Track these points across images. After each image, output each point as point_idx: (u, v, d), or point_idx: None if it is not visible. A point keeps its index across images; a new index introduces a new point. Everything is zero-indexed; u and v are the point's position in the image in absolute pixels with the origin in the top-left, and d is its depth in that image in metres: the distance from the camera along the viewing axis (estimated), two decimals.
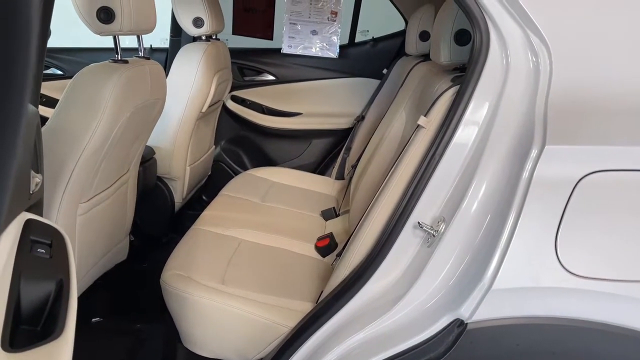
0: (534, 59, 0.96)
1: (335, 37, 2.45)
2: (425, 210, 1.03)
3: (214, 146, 2.52)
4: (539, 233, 0.91)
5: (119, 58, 1.36)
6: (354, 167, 2.09)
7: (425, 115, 1.12)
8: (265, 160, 2.70)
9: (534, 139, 0.91)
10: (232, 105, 2.61)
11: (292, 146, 2.68)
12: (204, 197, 2.73)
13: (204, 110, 2.05)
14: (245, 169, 2.70)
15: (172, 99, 1.97)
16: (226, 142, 2.70)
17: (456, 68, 1.40)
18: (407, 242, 1.04)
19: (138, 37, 1.52)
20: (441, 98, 1.11)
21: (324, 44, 2.46)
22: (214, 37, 2.23)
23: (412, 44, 2.01)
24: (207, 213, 1.86)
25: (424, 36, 1.96)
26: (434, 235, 1.00)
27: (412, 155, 1.12)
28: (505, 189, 0.95)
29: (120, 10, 1.26)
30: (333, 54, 2.48)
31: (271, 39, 2.57)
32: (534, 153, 0.90)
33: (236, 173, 2.71)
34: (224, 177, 2.70)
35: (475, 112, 1.01)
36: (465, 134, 1.02)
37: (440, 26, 1.33)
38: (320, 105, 2.62)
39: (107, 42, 1.46)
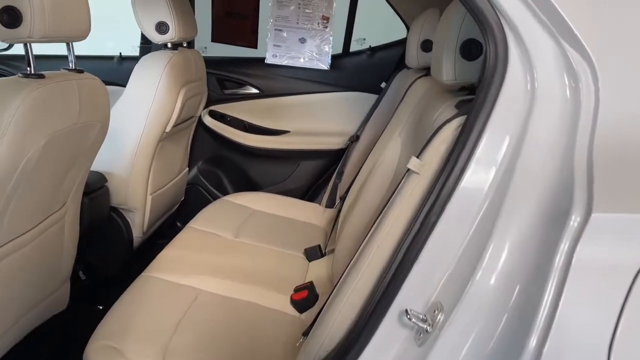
0: (573, 84, 0.68)
1: (326, 46, 2.18)
2: (415, 292, 0.74)
3: (187, 168, 2.25)
4: None
5: (32, 72, 1.09)
6: (343, 198, 1.81)
7: (418, 156, 0.84)
8: (248, 184, 2.43)
9: (574, 200, 0.62)
10: (210, 122, 2.34)
11: (277, 168, 2.40)
12: (178, 224, 2.45)
13: (168, 130, 1.78)
14: (225, 193, 2.42)
15: (127, 117, 1.71)
16: (204, 163, 2.43)
17: (464, 87, 1.12)
18: (389, 337, 0.75)
19: (67, 44, 1.25)
20: (440, 133, 0.83)
21: (314, 54, 2.19)
22: (184, 45, 1.97)
23: (413, 55, 1.74)
24: (165, 253, 1.58)
25: (427, 46, 1.69)
26: (427, 331, 0.71)
27: (400, 210, 0.84)
28: (535, 266, 0.66)
29: (30, 11, 1.00)
30: (324, 64, 2.21)
31: (255, 47, 2.31)
32: (574, 222, 0.61)
33: (215, 198, 2.43)
34: (201, 202, 2.42)
35: (488, 155, 0.73)
36: (474, 184, 0.74)
37: (442, 34, 1.05)
38: (309, 122, 2.35)
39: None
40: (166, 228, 2.29)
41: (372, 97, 2.27)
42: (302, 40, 2.17)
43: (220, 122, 2.35)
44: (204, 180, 2.42)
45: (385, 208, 0.94)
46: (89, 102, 1.22)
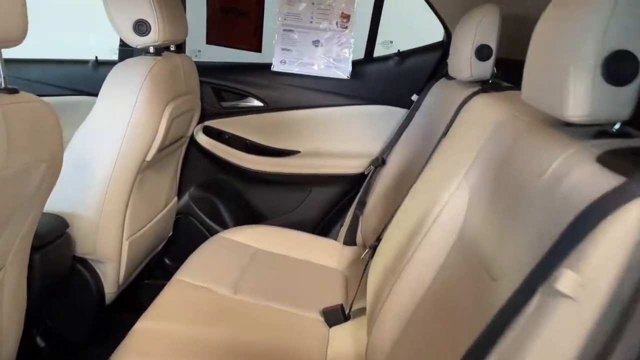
0: None
1: (346, 50, 1.81)
2: None
3: (175, 198, 1.88)
4: None
5: None
6: (373, 247, 1.44)
7: (574, 273, 0.47)
8: (249, 215, 2.05)
9: None
10: (204, 140, 1.97)
11: (285, 196, 2.03)
12: (166, 261, 2.08)
13: (149, 158, 1.41)
14: (222, 224, 2.05)
15: (96, 143, 1.34)
16: (197, 189, 2.06)
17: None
18: None
19: None
20: (606, 226, 0.46)
21: (331, 60, 1.82)
22: (171, 49, 1.60)
23: (463, 65, 1.37)
24: (141, 327, 1.21)
25: (484, 53, 1.32)
26: None
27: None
28: None
29: None
30: (344, 73, 1.83)
31: (259, 50, 1.94)
32: None
33: (209, 230, 2.06)
34: (194, 236, 2.06)
35: None
36: None
37: (560, 43, 0.68)
38: (324, 141, 1.98)
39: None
40: (152, 266, 1.92)
41: (400, 112, 1.90)
42: (317, 43, 1.80)
43: (217, 140, 1.97)
44: (196, 210, 2.05)
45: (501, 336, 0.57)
46: (23, 136, 0.85)
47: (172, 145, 1.60)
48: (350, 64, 1.82)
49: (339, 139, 1.96)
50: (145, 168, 1.46)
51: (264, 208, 2.04)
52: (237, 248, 1.72)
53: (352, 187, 1.99)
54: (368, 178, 1.85)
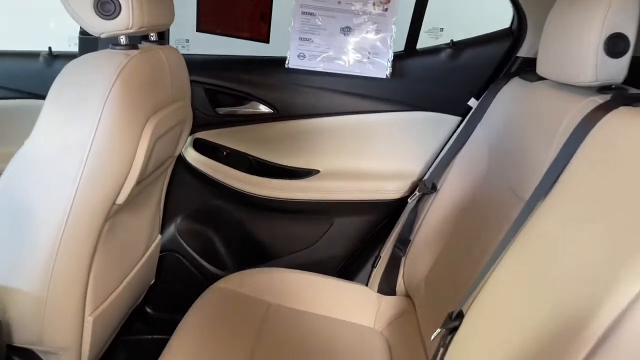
0: None
1: (386, 40, 1.37)
2: None
3: (159, 235, 1.44)
4: None
5: None
6: (451, 328, 1.02)
7: None
8: (254, 253, 1.62)
9: None
10: (195, 157, 1.53)
11: (300, 229, 1.60)
12: (148, 310, 1.65)
13: (121, 200, 0.97)
14: (219, 265, 1.62)
15: (38, 180, 0.90)
16: (185, 220, 1.62)
17: None
18: None
19: None
20: None
21: (367, 53, 1.39)
22: (151, 38, 1.15)
23: (577, 61, 0.94)
24: None
25: (619, 46, 0.90)
26: None
27: None
28: None
29: None
30: (381, 71, 1.40)
31: (267, 40, 1.49)
32: None
33: (203, 272, 1.63)
34: (182, 279, 1.63)
35: None
36: None
37: None
38: (351, 158, 1.55)
39: None
40: (135, 318, 1.50)
41: (452, 122, 1.48)
42: (347, 31, 1.37)
43: (211, 157, 1.54)
44: (185, 246, 1.61)
45: None
46: None
47: (155, 171, 1.16)
48: (390, 59, 1.39)
49: (371, 155, 1.54)
50: (115, 214, 1.02)
51: (273, 244, 1.61)
52: (245, 302, 1.31)
53: (387, 217, 1.58)
54: (412, 207, 1.43)
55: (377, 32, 1.36)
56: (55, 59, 1.52)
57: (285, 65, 1.40)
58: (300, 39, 1.37)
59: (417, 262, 1.36)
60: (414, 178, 1.53)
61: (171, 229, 1.61)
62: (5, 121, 1.52)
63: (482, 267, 0.95)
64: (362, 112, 1.50)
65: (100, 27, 0.93)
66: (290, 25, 1.38)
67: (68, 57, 1.52)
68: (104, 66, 0.91)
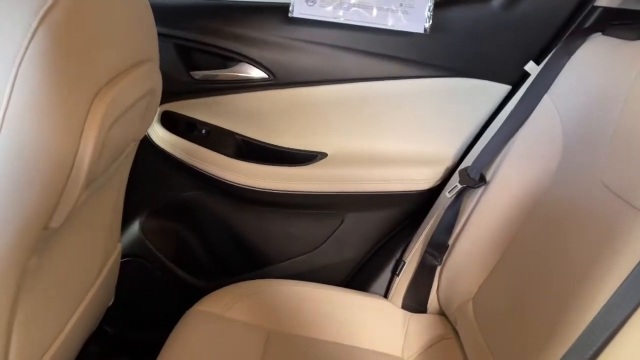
0: None
1: None
2: None
3: (118, 244, 1.09)
4: None
5: None
6: None
7: None
8: (244, 258, 1.29)
9: None
10: (165, 137, 1.18)
11: (302, 227, 1.27)
12: (107, 329, 1.32)
13: (56, 224, 0.62)
14: (197, 273, 1.29)
15: None
16: (152, 216, 1.26)
17: None
18: None
19: None
20: None
21: (400, 1, 1.03)
22: None
23: None
24: None
25: None
26: None
27: None
28: None
29: None
30: (418, 23, 1.05)
31: None
32: None
33: (176, 281, 1.29)
34: (149, 290, 1.30)
35: None
36: None
37: None
38: (368, 137, 1.22)
39: None
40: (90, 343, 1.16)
41: (501, 90, 1.16)
42: None
43: (185, 136, 1.18)
44: (153, 250, 1.26)
45: None
46: None
47: (110, 166, 0.80)
48: (430, 9, 1.04)
49: (394, 133, 1.21)
50: (50, 238, 0.67)
51: (266, 247, 1.28)
52: (236, 333, 1.01)
53: (412, 212, 1.26)
54: (449, 203, 1.12)
55: None
56: None
57: (289, 14, 1.03)
58: None
59: (461, 276, 1.06)
60: (448, 163, 1.22)
61: (134, 229, 1.26)
62: None
63: (599, 308, 0.66)
64: (383, 79, 1.16)
65: None
66: None
67: None
68: (16, 5, 0.54)
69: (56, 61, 0.55)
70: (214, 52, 1.13)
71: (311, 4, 1.01)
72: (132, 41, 0.74)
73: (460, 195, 1.11)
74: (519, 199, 0.98)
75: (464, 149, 1.22)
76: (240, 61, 1.14)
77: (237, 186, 1.19)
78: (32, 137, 0.54)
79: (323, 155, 1.22)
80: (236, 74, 1.15)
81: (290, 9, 1.02)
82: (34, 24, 0.53)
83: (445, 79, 1.16)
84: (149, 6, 0.85)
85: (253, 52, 1.13)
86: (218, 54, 1.13)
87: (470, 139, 1.21)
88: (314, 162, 1.20)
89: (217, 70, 1.15)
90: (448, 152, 1.22)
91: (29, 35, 0.52)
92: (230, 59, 1.15)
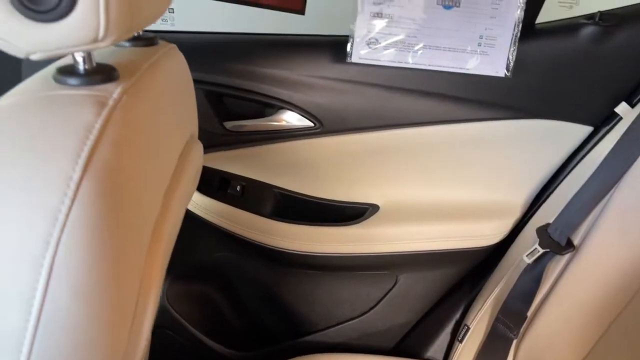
0: None
1: (510, 22, 0.86)
2: None
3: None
4: None
5: None
6: None
7: None
8: (282, 325, 1.15)
9: None
10: (196, 200, 1.02)
11: (350, 290, 1.13)
12: None
13: None
14: (230, 344, 1.15)
15: None
16: (178, 281, 1.11)
17: None
18: None
19: None
20: None
21: (477, 38, 0.87)
22: (140, 34, 0.60)
23: None
24: None
25: None
26: None
27: None
28: None
29: None
30: (498, 66, 0.89)
31: (301, 10, 0.95)
32: None
33: (204, 354, 1.15)
34: None
35: None
36: None
37: None
38: (424, 187, 1.07)
39: None
40: None
41: (576, 133, 1.01)
42: (450, 1, 0.84)
43: (219, 198, 1.02)
44: (179, 319, 1.11)
45: None
46: None
47: None
48: (515, 49, 0.88)
49: (457, 181, 1.06)
50: None
51: (308, 312, 1.13)
52: None
53: (474, 269, 1.13)
54: (527, 266, 0.98)
55: (496, 3, 0.85)
56: None
57: (347, 58, 0.87)
58: (373, 14, 0.84)
59: (547, 355, 0.93)
60: (517, 215, 1.07)
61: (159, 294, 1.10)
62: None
63: None
64: (445, 122, 1.01)
65: (30, 38, 0.39)
66: None
67: None
68: (49, 144, 0.38)
69: (107, 196, 0.39)
70: (250, 98, 0.96)
71: (373, 45, 0.85)
72: (178, 123, 0.59)
73: (540, 259, 0.97)
74: (625, 268, 0.85)
75: (534, 197, 1.08)
76: (281, 108, 0.98)
77: (277, 250, 1.04)
78: (79, 331, 0.39)
79: (374, 207, 1.07)
80: (276, 123, 0.99)
81: (348, 51, 0.86)
82: (79, 169, 0.37)
83: (517, 121, 1.02)
84: (187, 66, 0.69)
85: (296, 98, 0.97)
86: (255, 100, 0.97)
87: (542, 186, 1.07)
88: (364, 220, 1.05)
89: (253, 120, 0.99)
90: (517, 202, 1.07)
91: (75, 182, 0.37)
92: (269, 106, 0.98)
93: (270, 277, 1.11)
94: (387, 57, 0.85)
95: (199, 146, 0.72)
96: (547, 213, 1.02)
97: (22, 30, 0.39)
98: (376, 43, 0.85)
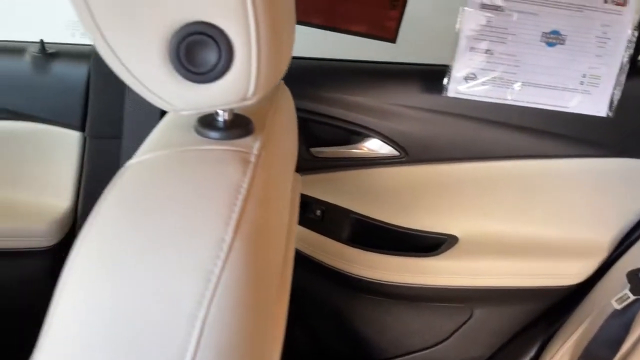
0: None
1: (616, 59, 0.83)
2: None
3: None
4: None
5: None
6: None
7: None
8: (354, 351, 1.14)
9: None
10: None
11: (423, 321, 1.11)
12: None
13: None
14: None
15: None
16: None
17: None
18: None
19: None
20: None
21: (579, 76, 0.84)
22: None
23: None
24: None
25: None
26: None
27: None
28: None
29: None
30: (600, 105, 0.86)
31: (393, 39, 0.94)
32: None
33: None
34: None
35: None
36: None
37: None
38: (506, 221, 1.05)
39: None
40: None
41: None
42: (553, 38, 0.81)
43: (299, 218, 1.02)
44: None
45: None
46: None
47: None
48: (619, 90, 0.85)
49: (541, 217, 1.03)
50: None
51: (381, 340, 1.12)
52: None
53: (553, 308, 1.09)
54: (615, 312, 0.95)
55: (603, 41, 0.82)
56: (52, 60, 0.96)
57: (443, 92, 0.86)
58: (471, 49, 0.82)
59: None
60: (603, 255, 1.04)
61: None
62: None
63: None
64: (535, 157, 0.98)
65: (185, 97, 0.40)
66: (460, 20, 0.82)
67: (72, 57, 0.98)
68: (202, 205, 0.39)
69: (254, 251, 0.39)
70: (336, 125, 0.96)
71: (470, 80, 0.83)
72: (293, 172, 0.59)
73: (630, 306, 0.94)
74: None
75: (622, 238, 1.04)
76: (367, 136, 0.97)
77: (352, 276, 1.04)
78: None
79: (453, 239, 1.06)
80: (361, 150, 0.98)
81: (445, 85, 0.85)
82: (231, 228, 0.38)
83: (610, 159, 0.98)
84: (292, 103, 0.69)
85: (383, 126, 0.96)
86: (343, 127, 0.97)
87: (631, 227, 1.03)
88: (443, 252, 1.04)
89: (339, 147, 0.99)
90: (603, 241, 1.04)
91: (228, 244, 0.37)
92: (355, 133, 0.98)
93: (342, 302, 1.11)
94: (484, 92, 0.84)
95: (299, 177, 0.72)
96: (636, 256, 0.98)
97: (178, 89, 0.39)
98: (474, 78, 0.83)
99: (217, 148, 0.43)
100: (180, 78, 0.39)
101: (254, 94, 0.41)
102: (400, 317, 1.10)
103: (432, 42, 0.98)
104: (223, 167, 0.41)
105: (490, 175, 1.01)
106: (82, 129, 0.99)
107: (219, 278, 0.37)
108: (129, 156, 0.85)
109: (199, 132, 0.45)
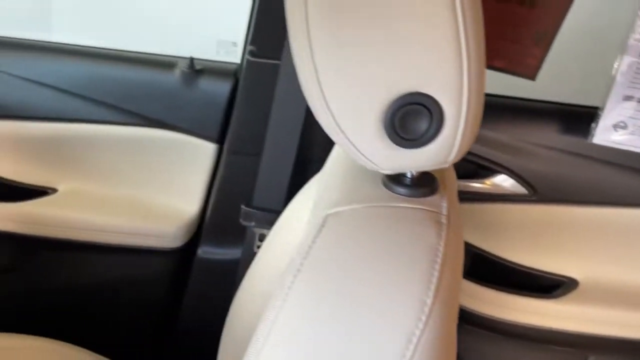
0: None
1: None
2: None
3: None
4: None
5: None
6: None
7: None
8: None
9: None
10: None
11: (531, 357, 1.10)
12: None
13: None
14: None
15: None
16: None
17: None
18: None
19: None
20: None
21: None
22: None
23: None
24: None
25: None
26: None
27: None
28: None
29: None
30: None
31: (532, 76, 0.93)
32: None
33: None
34: None
35: None
36: None
37: None
38: (632, 269, 1.01)
39: None
40: None
41: None
42: None
43: None
44: None
45: None
46: None
47: None
48: None
49: None
50: None
51: None
52: None
53: None
54: None
55: None
56: (199, 76, 1.03)
57: (589, 137, 0.84)
58: (627, 97, 0.80)
59: None
60: None
61: None
62: (120, 158, 1.08)
63: None
64: None
65: (392, 160, 0.42)
66: (619, 68, 0.80)
67: (216, 74, 1.04)
68: (403, 267, 0.41)
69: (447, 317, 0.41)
70: (468, 159, 0.96)
71: (621, 130, 0.81)
72: None
73: None
74: None
75: None
76: (496, 171, 0.97)
77: (466, 310, 1.03)
78: None
79: (572, 282, 1.03)
80: (489, 185, 0.98)
81: (591, 130, 0.83)
82: (429, 302, 0.39)
83: None
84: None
85: (514, 163, 0.95)
86: (472, 161, 0.97)
87: None
88: (562, 295, 1.01)
89: (467, 181, 0.98)
90: None
91: (424, 320, 0.39)
92: (483, 168, 0.98)
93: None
94: (632, 142, 0.81)
95: None
96: None
97: (387, 153, 0.41)
98: (624, 127, 0.81)
99: (409, 207, 0.44)
100: (390, 143, 0.41)
101: (455, 157, 0.42)
102: (510, 355, 1.09)
103: (569, 79, 0.96)
104: (419, 228, 0.42)
105: (620, 222, 0.98)
106: (218, 141, 1.05)
107: (419, 339, 0.39)
108: (266, 173, 0.89)
109: (387, 187, 0.46)
